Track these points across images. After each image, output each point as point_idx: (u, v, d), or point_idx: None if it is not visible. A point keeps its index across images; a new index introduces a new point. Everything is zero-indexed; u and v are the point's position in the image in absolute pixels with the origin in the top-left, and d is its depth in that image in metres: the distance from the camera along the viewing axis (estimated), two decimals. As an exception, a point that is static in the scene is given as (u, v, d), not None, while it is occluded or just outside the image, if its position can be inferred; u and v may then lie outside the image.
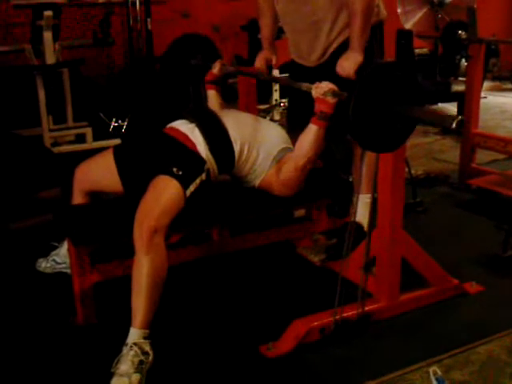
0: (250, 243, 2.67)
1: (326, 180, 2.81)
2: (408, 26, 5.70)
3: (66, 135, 4.96)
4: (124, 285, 2.12)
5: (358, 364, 2.15)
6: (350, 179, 2.89)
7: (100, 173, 2.49)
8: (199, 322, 2.41)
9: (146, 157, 2.43)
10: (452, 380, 2.02)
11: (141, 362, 1.96)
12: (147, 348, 2.00)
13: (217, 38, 6.42)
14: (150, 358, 1.99)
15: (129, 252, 2.13)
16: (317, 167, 2.56)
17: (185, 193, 2.22)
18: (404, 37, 5.72)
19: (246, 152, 2.43)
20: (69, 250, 2.39)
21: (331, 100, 2.23)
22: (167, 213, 2.15)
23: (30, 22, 4.85)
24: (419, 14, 5.88)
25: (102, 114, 5.09)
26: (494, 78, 7.75)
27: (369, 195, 2.55)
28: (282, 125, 2.88)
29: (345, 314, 2.25)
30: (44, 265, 2.74)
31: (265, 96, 5.59)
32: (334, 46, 2.67)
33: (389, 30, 2.73)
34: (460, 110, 5.39)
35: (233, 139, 2.42)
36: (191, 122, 2.47)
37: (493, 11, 7.45)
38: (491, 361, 2.14)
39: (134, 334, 2.00)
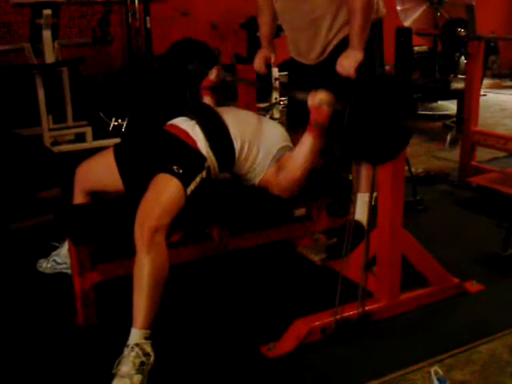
0: (250, 242, 2.67)
1: (326, 179, 2.81)
2: (407, 23, 5.71)
3: (65, 134, 4.96)
4: (125, 285, 2.12)
5: (359, 364, 2.14)
6: (350, 177, 2.89)
7: (101, 172, 2.48)
8: (200, 322, 2.41)
9: (147, 154, 2.43)
10: (453, 380, 2.02)
11: (142, 363, 1.96)
12: (148, 349, 1.99)
13: (216, 36, 6.46)
14: (152, 358, 1.99)
15: (130, 252, 2.13)
16: (317, 166, 2.56)
17: (185, 191, 2.21)
18: (403, 34, 5.70)
19: (246, 150, 2.43)
20: (69, 250, 2.39)
21: (326, 109, 2.22)
22: (168, 212, 2.15)
23: (29, 20, 4.86)
24: (418, 12, 5.88)
25: (101, 113, 5.08)
26: (493, 76, 7.75)
27: (368, 194, 2.55)
28: (281, 123, 2.86)
29: (345, 314, 2.25)
30: (44, 265, 2.73)
31: (264, 94, 5.58)
32: (334, 43, 2.66)
33: (388, 27, 2.72)
34: (460, 108, 5.39)
35: (233, 137, 2.42)
36: (192, 119, 2.47)
37: (492, 8, 7.44)
38: (493, 360, 2.14)
39: (135, 335, 2.00)
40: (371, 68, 2.67)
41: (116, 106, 5.18)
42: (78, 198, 2.51)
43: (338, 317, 2.23)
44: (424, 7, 5.90)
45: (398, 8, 5.79)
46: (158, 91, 5.11)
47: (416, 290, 2.51)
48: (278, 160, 2.45)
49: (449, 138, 4.68)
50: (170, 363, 2.10)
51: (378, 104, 2.00)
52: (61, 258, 2.69)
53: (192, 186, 2.23)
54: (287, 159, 2.41)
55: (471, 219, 3.45)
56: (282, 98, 5.62)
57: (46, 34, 4.62)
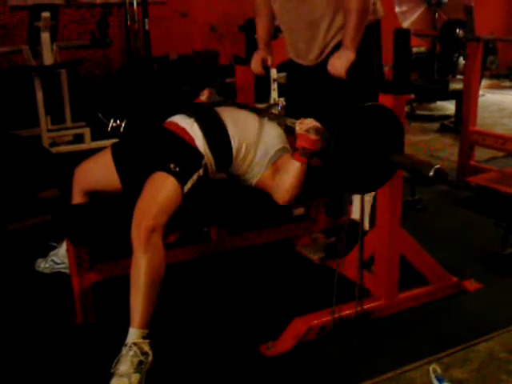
0: (248, 241, 2.67)
1: (325, 178, 2.81)
2: (406, 24, 5.71)
3: (64, 135, 4.96)
4: (123, 284, 2.11)
5: (358, 362, 2.15)
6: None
7: (99, 172, 2.48)
8: (198, 322, 2.41)
9: (144, 152, 2.42)
10: (451, 378, 2.02)
11: (140, 362, 1.96)
12: (146, 348, 1.99)
13: (215, 38, 6.48)
14: (150, 357, 1.99)
15: (127, 251, 2.12)
16: (316, 166, 2.56)
17: (182, 189, 2.21)
18: (402, 35, 5.70)
19: (243, 150, 2.42)
20: (68, 249, 2.39)
21: (313, 137, 2.21)
22: (165, 211, 2.14)
23: (28, 22, 4.85)
24: (417, 13, 5.89)
25: (100, 115, 5.09)
26: (491, 76, 7.76)
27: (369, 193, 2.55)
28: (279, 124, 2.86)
29: (344, 313, 2.25)
30: (43, 265, 2.73)
31: (263, 95, 5.58)
32: (332, 45, 2.65)
33: (386, 28, 2.72)
34: (458, 108, 5.40)
35: (231, 136, 2.41)
36: (190, 116, 2.47)
37: (490, 10, 7.46)
38: (491, 358, 2.14)
39: (133, 334, 2.00)
40: (369, 69, 2.67)
41: (115, 107, 5.18)
42: (77, 199, 2.51)
43: (336, 316, 2.23)
44: (423, 9, 5.90)
45: (397, 9, 5.79)
46: (156, 92, 5.13)
47: (415, 289, 2.51)
48: (275, 163, 2.44)
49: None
50: (168, 362, 2.10)
51: (364, 135, 1.99)
52: (59, 258, 2.69)
53: (189, 184, 2.23)
54: (284, 162, 2.40)
55: (470, 218, 3.46)
56: (281, 99, 5.64)
57: (45, 37, 4.62)
